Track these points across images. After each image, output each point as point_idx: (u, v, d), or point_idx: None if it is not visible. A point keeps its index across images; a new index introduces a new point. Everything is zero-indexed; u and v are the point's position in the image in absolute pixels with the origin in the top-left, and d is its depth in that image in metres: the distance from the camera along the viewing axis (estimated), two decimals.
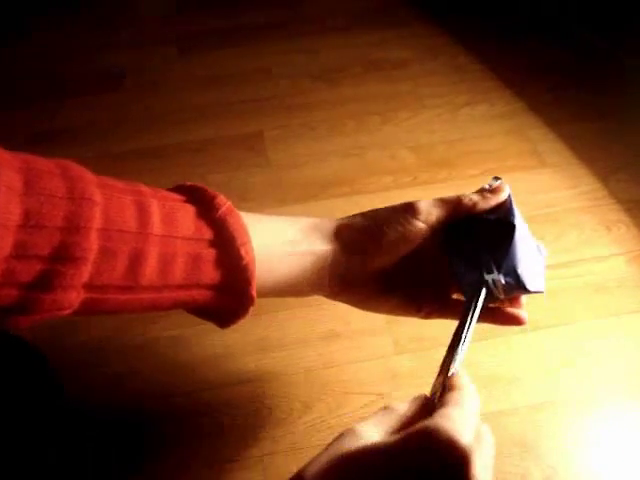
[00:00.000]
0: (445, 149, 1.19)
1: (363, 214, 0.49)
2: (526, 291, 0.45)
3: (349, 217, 0.49)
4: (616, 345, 0.85)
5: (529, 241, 0.46)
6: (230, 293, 0.40)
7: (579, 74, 1.36)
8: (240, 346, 0.88)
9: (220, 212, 0.40)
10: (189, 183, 0.43)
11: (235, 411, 0.81)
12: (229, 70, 1.46)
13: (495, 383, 0.82)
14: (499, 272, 0.43)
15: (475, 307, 0.42)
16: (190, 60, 1.52)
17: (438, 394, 0.42)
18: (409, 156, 1.18)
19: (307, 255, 0.44)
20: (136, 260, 0.35)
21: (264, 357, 0.87)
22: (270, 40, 1.56)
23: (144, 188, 0.40)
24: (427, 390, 0.80)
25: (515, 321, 0.48)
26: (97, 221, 0.34)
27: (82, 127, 1.33)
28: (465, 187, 1.19)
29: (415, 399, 0.42)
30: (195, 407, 0.82)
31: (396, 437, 0.35)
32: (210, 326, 0.96)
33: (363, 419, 0.40)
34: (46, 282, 0.32)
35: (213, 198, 0.41)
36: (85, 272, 0.34)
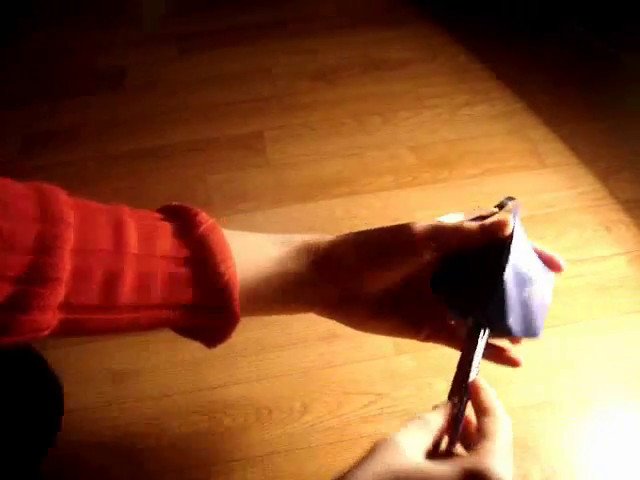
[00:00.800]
0: (445, 149, 1.19)
1: (357, 239, 0.45)
2: (519, 337, 0.43)
3: (342, 237, 0.45)
4: (616, 345, 0.85)
5: (530, 270, 0.42)
6: (213, 311, 0.39)
7: (579, 74, 1.36)
8: (240, 346, 0.88)
9: (201, 229, 0.39)
10: (174, 203, 0.42)
11: (235, 411, 0.81)
12: (229, 70, 1.46)
13: (495, 383, 0.82)
14: (489, 325, 0.41)
15: (475, 347, 0.41)
16: (190, 60, 1.52)
17: (458, 402, 0.41)
18: (409, 156, 1.18)
19: (294, 276, 0.43)
20: (112, 279, 0.35)
21: (264, 357, 0.87)
22: (270, 40, 1.56)
23: (123, 208, 0.39)
24: (427, 390, 0.80)
25: (510, 362, 0.47)
26: (71, 242, 0.34)
27: (82, 127, 1.32)
28: (465, 187, 1.20)
29: (441, 409, 0.41)
30: (195, 407, 0.82)
31: (445, 468, 0.37)
32: None
33: (401, 429, 0.40)
34: (22, 303, 0.32)
35: (195, 215, 0.40)
36: (60, 292, 0.34)
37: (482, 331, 0.41)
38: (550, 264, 0.45)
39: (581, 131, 1.20)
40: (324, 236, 0.46)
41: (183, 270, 0.38)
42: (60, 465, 0.76)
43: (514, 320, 0.41)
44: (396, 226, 0.44)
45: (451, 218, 0.45)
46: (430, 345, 0.88)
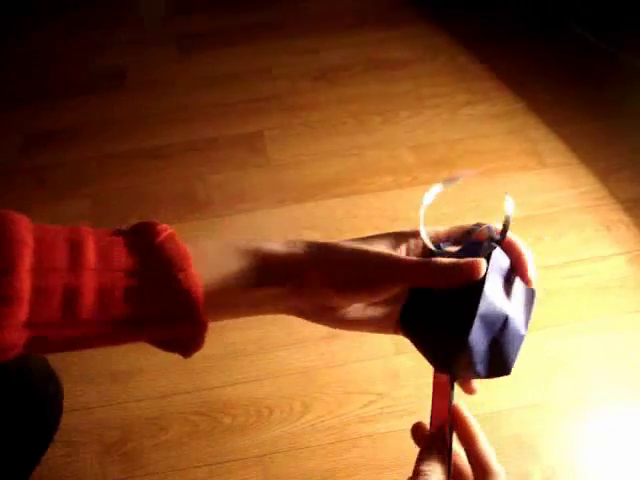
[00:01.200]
0: (445, 149, 1.19)
1: (324, 264, 0.42)
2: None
3: (308, 256, 0.44)
4: (616, 345, 0.85)
5: (504, 307, 0.39)
6: (178, 321, 0.39)
7: (579, 74, 1.36)
8: (240, 346, 0.88)
9: (158, 240, 0.39)
10: (138, 222, 0.42)
11: (235, 411, 0.81)
12: (229, 70, 1.47)
13: (495, 383, 0.82)
14: (456, 376, 0.41)
15: (447, 397, 0.41)
16: (190, 60, 1.52)
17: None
18: (409, 156, 1.18)
19: (258, 291, 0.42)
20: (72, 296, 0.35)
21: (264, 357, 0.87)
22: (270, 40, 1.56)
23: (82, 227, 0.40)
24: (427, 390, 0.80)
25: (466, 390, 0.47)
26: (29, 262, 0.35)
27: (82, 127, 1.33)
28: (465, 187, 1.20)
29: (435, 458, 0.40)
30: (195, 407, 0.82)
31: None
32: (210, 326, 0.96)
33: None
34: None
35: (153, 226, 0.40)
36: (22, 312, 0.34)
37: (452, 384, 0.41)
38: (521, 274, 0.42)
39: (581, 131, 1.20)
40: (292, 245, 0.44)
41: (141, 282, 0.38)
42: (60, 464, 0.76)
43: (483, 368, 0.40)
44: (363, 259, 0.41)
45: (432, 192, 0.42)
46: None
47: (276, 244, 0.43)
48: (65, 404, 0.64)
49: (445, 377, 0.40)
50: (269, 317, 0.99)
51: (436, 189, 0.42)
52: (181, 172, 1.18)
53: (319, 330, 0.88)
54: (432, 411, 0.41)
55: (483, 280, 0.38)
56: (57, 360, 0.65)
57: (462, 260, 0.39)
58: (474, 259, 0.38)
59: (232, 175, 1.17)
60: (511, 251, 0.41)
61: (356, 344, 0.86)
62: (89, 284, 0.36)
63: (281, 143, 1.23)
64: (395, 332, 0.47)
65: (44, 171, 1.21)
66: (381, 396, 0.81)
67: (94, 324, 0.37)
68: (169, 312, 0.38)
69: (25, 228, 0.37)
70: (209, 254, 0.41)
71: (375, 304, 0.45)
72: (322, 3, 1.72)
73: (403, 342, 0.93)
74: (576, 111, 1.25)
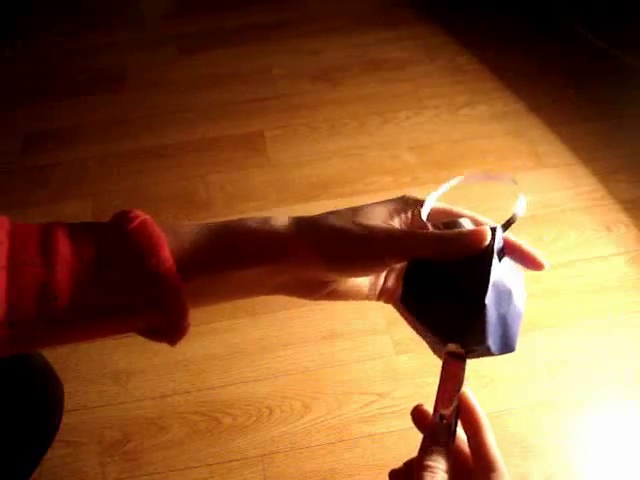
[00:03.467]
0: (445, 149, 1.19)
1: (314, 236, 0.40)
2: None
3: (300, 229, 0.43)
4: (616, 345, 0.85)
5: (508, 282, 0.39)
6: (153, 308, 0.38)
7: (579, 75, 1.36)
8: (240, 346, 0.88)
9: (130, 227, 0.38)
10: (116, 212, 0.41)
11: (235, 411, 0.81)
12: (230, 70, 1.47)
13: (495, 383, 0.83)
14: (467, 353, 0.40)
15: (458, 378, 0.40)
16: (191, 60, 1.52)
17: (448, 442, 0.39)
18: (409, 156, 1.18)
19: (250, 266, 0.42)
20: (44, 291, 0.36)
21: (264, 357, 0.87)
22: (271, 40, 1.56)
23: (56, 223, 0.39)
24: (427, 390, 0.80)
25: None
26: (3, 259, 0.35)
27: (82, 127, 1.33)
28: (465, 187, 1.19)
29: (439, 451, 0.39)
30: (195, 407, 0.82)
31: None
32: (210, 326, 0.96)
33: None
34: None
35: (126, 214, 0.39)
36: (1, 311, 0.35)
37: (464, 360, 0.40)
38: (528, 262, 0.41)
39: (581, 131, 1.20)
40: (272, 221, 0.42)
41: (114, 270, 0.38)
42: (60, 464, 0.76)
43: (493, 342, 0.39)
44: (358, 233, 0.39)
45: (450, 183, 0.42)
46: None
47: (255, 221, 0.41)
48: (65, 404, 0.64)
49: (458, 362, 0.39)
50: (269, 318, 1.00)
51: (456, 181, 0.41)
52: (182, 172, 1.18)
53: (319, 330, 0.88)
54: (437, 395, 0.39)
55: (492, 249, 0.38)
56: (57, 360, 0.65)
57: (466, 229, 0.39)
58: (478, 227, 0.38)
59: (233, 175, 1.17)
60: (511, 247, 0.41)
61: (356, 344, 0.87)
62: (61, 277, 0.36)
63: (282, 143, 1.24)
64: (385, 301, 0.46)
65: (44, 171, 1.21)
66: (381, 396, 0.81)
67: (72, 317, 0.37)
68: (143, 298, 0.37)
69: (2, 227, 0.37)
70: (185, 237, 0.41)
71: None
72: (322, 3, 1.72)
73: (403, 342, 0.93)
74: (576, 111, 1.25)
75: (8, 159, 1.25)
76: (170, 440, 0.79)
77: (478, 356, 0.40)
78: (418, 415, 0.42)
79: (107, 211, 1.15)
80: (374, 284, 0.46)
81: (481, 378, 0.80)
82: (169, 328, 0.40)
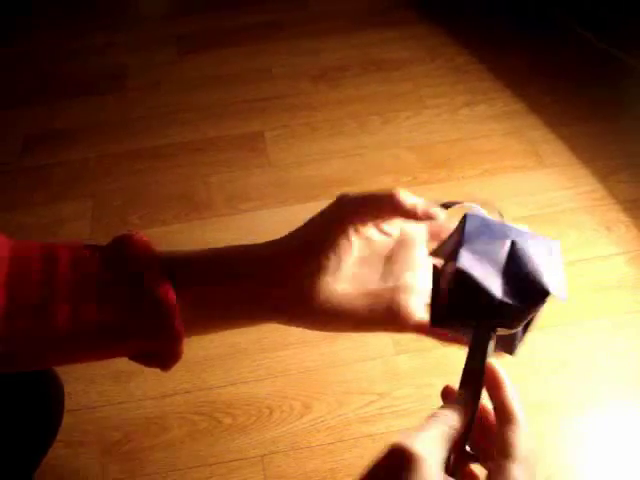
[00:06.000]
0: (445, 149, 1.19)
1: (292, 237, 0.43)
2: (543, 297, 0.40)
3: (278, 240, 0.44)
4: (616, 345, 0.85)
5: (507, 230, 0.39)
6: (150, 333, 0.38)
7: (579, 75, 1.36)
8: (241, 346, 0.88)
9: (130, 252, 0.38)
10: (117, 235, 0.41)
11: (235, 411, 0.81)
12: (230, 70, 1.47)
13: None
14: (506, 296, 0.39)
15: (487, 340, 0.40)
16: (190, 60, 1.52)
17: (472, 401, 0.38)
18: (409, 156, 1.18)
19: (245, 282, 0.42)
20: (44, 308, 0.36)
21: (265, 357, 0.87)
22: (271, 40, 1.56)
23: (57, 244, 0.40)
24: (427, 390, 0.80)
25: None
26: (3, 275, 0.35)
27: (83, 127, 1.33)
28: (464, 187, 1.20)
29: (456, 410, 0.38)
30: (195, 407, 0.82)
31: None
32: None
33: (416, 432, 0.33)
34: None
35: (128, 238, 0.39)
36: None
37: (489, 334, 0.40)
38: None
39: (580, 131, 1.20)
40: (272, 242, 0.44)
41: (114, 293, 0.38)
42: (60, 464, 0.77)
43: (505, 293, 0.39)
44: (328, 211, 0.43)
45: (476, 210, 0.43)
46: (430, 345, 0.88)
47: (256, 245, 0.42)
48: (66, 404, 0.64)
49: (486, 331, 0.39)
50: None
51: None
52: (182, 172, 1.18)
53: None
54: (465, 368, 0.39)
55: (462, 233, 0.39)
56: None
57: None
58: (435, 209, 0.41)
59: (233, 175, 1.17)
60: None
61: (356, 344, 0.87)
62: (62, 295, 0.36)
63: (282, 143, 1.24)
64: (392, 327, 0.45)
65: (44, 171, 1.21)
66: (381, 396, 0.81)
67: (65, 335, 0.37)
68: (139, 313, 0.37)
69: (3, 245, 0.37)
70: (179, 253, 0.41)
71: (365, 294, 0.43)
72: (322, 3, 1.72)
73: (403, 342, 0.93)
74: (576, 111, 1.25)
75: (8, 159, 1.25)
76: (170, 440, 0.79)
77: (512, 321, 0.39)
78: (447, 395, 0.41)
79: (107, 211, 1.16)
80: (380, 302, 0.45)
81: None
82: (163, 348, 0.40)
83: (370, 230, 0.43)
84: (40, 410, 0.63)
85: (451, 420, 0.35)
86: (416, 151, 1.19)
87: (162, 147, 1.25)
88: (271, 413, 0.80)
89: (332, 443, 0.77)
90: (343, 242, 0.42)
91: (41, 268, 0.37)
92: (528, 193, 1.08)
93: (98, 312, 0.37)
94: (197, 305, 0.40)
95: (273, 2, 1.72)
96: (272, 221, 1.04)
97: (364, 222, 0.42)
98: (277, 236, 0.43)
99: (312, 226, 0.43)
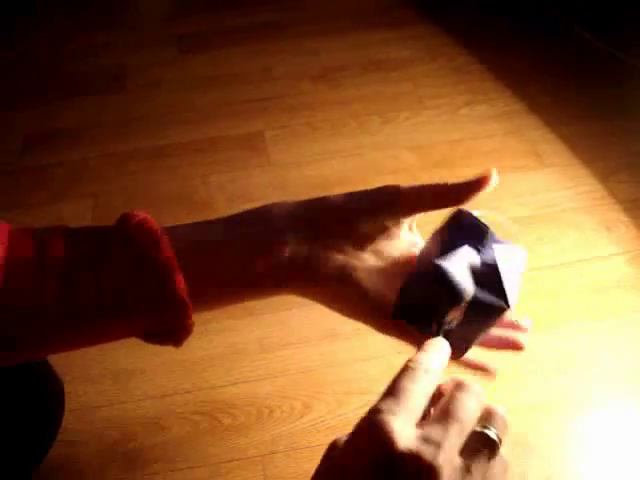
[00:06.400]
0: (445, 149, 1.19)
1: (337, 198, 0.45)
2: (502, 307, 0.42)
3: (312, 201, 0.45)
4: (616, 345, 0.85)
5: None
6: (156, 305, 0.37)
7: (579, 75, 1.36)
8: (241, 346, 0.88)
9: (130, 224, 0.38)
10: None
11: (236, 411, 0.81)
12: (230, 70, 1.47)
13: (495, 383, 0.82)
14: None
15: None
16: (191, 60, 1.52)
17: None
18: (409, 156, 1.18)
19: (250, 239, 0.41)
20: (36, 289, 0.35)
21: (265, 357, 0.87)
22: (271, 40, 1.56)
23: (56, 226, 0.39)
24: None
25: (512, 346, 0.45)
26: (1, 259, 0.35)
27: (83, 127, 1.33)
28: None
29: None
30: (195, 407, 0.82)
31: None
32: (211, 326, 0.96)
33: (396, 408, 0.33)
34: None
35: (128, 215, 0.39)
36: None
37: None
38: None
39: (581, 131, 1.20)
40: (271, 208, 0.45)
41: (116, 262, 0.38)
42: (60, 464, 0.77)
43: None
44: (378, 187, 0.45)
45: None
46: None
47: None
48: (66, 404, 0.64)
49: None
50: (269, 318, 1.00)
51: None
52: (182, 172, 1.18)
53: (319, 330, 0.88)
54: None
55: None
56: (58, 360, 0.65)
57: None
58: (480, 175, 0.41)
59: (233, 175, 1.17)
60: None
61: (357, 344, 0.87)
62: (53, 278, 0.36)
63: (282, 143, 1.24)
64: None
65: (44, 171, 1.21)
66: None
67: (64, 309, 0.37)
68: (143, 289, 0.37)
69: (3, 229, 0.37)
70: (180, 228, 0.41)
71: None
72: (322, 3, 1.72)
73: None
74: (576, 111, 1.25)
75: (8, 159, 1.25)
76: (170, 440, 0.79)
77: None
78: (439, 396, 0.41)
79: (107, 211, 1.16)
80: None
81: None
82: (172, 324, 0.39)
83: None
84: (40, 410, 0.63)
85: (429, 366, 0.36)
86: (416, 151, 1.19)
87: (162, 147, 1.25)
88: (271, 413, 0.80)
89: None
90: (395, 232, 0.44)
91: (36, 251, 0.37)
92: (528, 193, 1.08)
93: (100, 287, 0.37)
94: (203, 270, 0.39)
95: (273, 2, 1.72)
96: None
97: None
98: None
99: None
